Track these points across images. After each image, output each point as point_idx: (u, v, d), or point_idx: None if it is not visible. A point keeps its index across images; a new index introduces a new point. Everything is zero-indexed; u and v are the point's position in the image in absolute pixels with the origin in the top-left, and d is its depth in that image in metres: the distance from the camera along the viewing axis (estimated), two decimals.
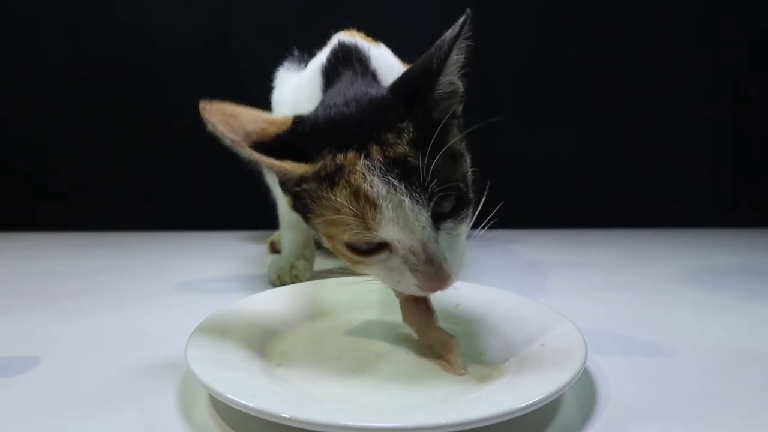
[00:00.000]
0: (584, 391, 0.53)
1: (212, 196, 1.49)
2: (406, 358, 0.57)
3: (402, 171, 0.48)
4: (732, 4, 1.45)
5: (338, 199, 0.49)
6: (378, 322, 0.67)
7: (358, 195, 0.48)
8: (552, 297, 0.87)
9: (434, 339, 0.57)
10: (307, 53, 0.78)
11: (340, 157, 0.49)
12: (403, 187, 0.48)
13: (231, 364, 0.52)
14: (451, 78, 0.52)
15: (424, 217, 0.49)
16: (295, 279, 0.90)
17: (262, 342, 0.58)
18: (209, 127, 0.50)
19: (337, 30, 0.81)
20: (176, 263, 1.12)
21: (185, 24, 1.44)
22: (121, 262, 1.15)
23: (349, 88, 0.60)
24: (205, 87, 1.43)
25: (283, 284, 0.82)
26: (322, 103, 0.59)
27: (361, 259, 0.52)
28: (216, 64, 1.45)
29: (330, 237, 0.53)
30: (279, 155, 0.50)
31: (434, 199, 0.49)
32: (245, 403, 0.42)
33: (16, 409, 0.51)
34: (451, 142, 0.52)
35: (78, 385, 0.55)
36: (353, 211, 0.49)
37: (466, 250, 0.53)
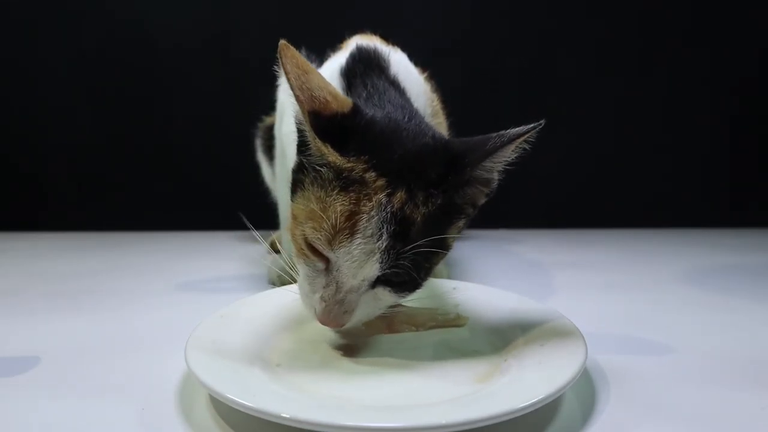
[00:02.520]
0: (584, 391, 0.53)
1: (212, 196, 1.49)
2: (406, 358, 0.57)
3: (397, 232, 0.49)
4: (732, 3, 1.45)
5: (334, 204, 0.49)
6: None
7: (351, 216, 0.49)
8: (552, 297, 0.87)
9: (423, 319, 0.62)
10: (314, 53, 0.79)
11: (371, 174, 0.50)
12: (385, 244, 0.49)
13: (231, 364, 0.52)
14: (494, 167, 0.53)
15: (372, 274, 0.50)
16: (295, 279, 0.90)
17: (262, 342, 0.58)
18: (280, 69, 0.51)
19: (339, 30, 0.81)
20: (176, 263, 1.12)
21: (185, 24, 1.44)
22: (121, 262, 1.15)
23: (403, 108, 0.60)
24: (205, 87, 1.44)
25: (283, 284, 0.82)
26: (380, 106, 0.60)
27: (306, 252, 0.53)
28: (216, 64, 1.45)
29: (297, 220, 0.53)
30: (327, 131, 0.51)
31: (393, 269, 0.50)
32: (245, 403, 0.42)
33: (16, 409, 0.51)
34: (449, 235, 0.53)
35: (78, 385, 0.56)
36: (334, 223, 0.49)
37: (376, 314, 0.56)
